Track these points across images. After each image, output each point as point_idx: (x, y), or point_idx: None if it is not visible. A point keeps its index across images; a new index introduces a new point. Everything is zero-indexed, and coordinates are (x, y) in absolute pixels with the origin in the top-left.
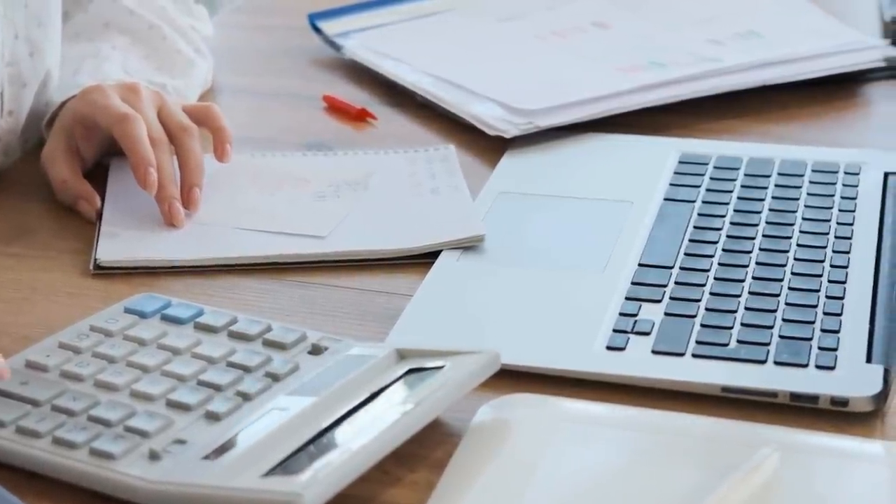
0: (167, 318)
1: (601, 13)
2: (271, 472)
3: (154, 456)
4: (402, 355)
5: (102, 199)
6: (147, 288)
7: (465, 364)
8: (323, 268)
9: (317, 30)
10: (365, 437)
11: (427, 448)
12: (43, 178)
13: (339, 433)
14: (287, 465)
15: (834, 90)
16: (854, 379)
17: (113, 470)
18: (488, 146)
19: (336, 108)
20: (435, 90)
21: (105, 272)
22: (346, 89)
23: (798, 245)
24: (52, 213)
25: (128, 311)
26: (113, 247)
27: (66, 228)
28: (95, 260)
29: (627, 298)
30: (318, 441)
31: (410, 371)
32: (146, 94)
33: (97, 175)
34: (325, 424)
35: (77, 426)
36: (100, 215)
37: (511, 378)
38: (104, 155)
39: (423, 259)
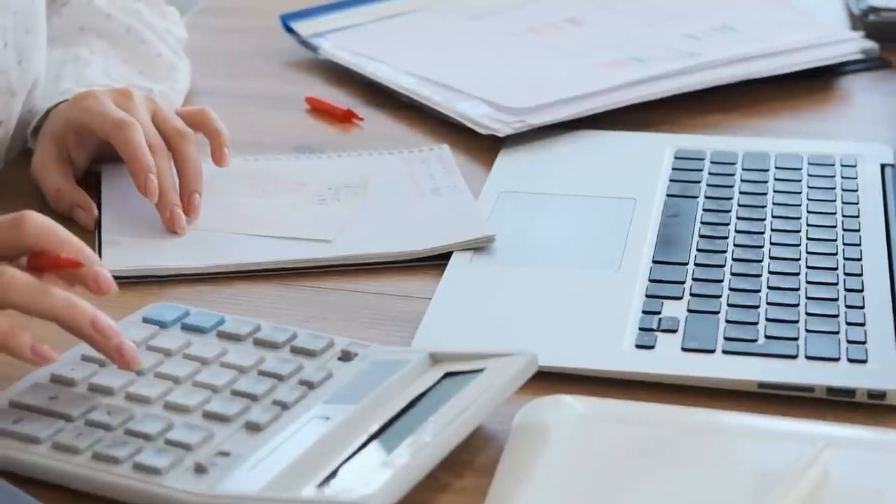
0: (188, 328)
1: (573, 9)
2: (325, 482)
3: (200, 469)
4: (435, 359)
5: (97, 207)
6: (156, 297)
7: (505, 367)
8: (331, 272)
9: (290, 31)
10: (417, 444)
11: (470, 453)
12: (32, 186)
13: (388, 441)
14: (340, 476)
15: (813, 83)
16: (888, 371)
17: (160, 485)
18: (477, 145)
19: (320, 110)
20: (420, 90)
21: None
22: (325, 90)
23: (808, 238)
24: None
25: (146, 320)
26: (117, 256)
27: None
28: None
29: (648, 296)
30: (367, 450)
31: (447, 375)
32: (140, 100)
33: (84, 182)
34: (370, 433)
35: (116, 441)
36: (97, 223)
37: (539, 379)
38: (93, 162)
39: (434, 261)
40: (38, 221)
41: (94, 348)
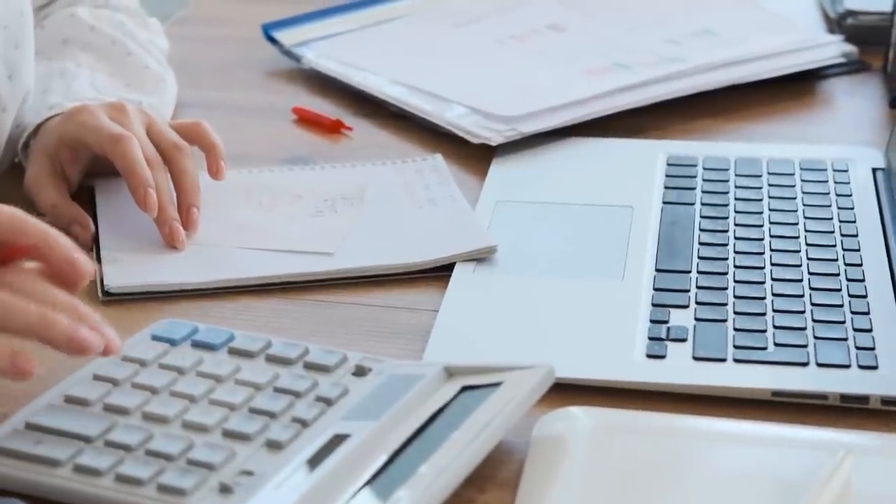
0: (198, 345)
1: (554, 16)
2: (351, 501)
3: (225, 489)
4: (450, 373)
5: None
6: (158, 313)
7: (523, 380)
8: (334, 285)
9: (272, 40)
10: (442, 462)
11: (490, 467)
12: (21, 201)
13: (412, 460)
14: (367, 494)
15: (795, 86)
16: None
17: None
18: (467, 153)
19: (308, 121)
20: (409, 99)
21: (113, 298)
22: (309, 100)
23: (808, 244)
24: None
25: (155, 338)
26: (119, 272)
27: None
28: (103, 286)
29: (654, 305)
30: (391, 469)
31: (464, 389)
32: (134, 113)
33: (77, 197)
34: (392, 450)
35: (137, 462)
36: (95, 239)
37: (550, 390)
38: (86, 176)
39: (436, 272)
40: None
41: None
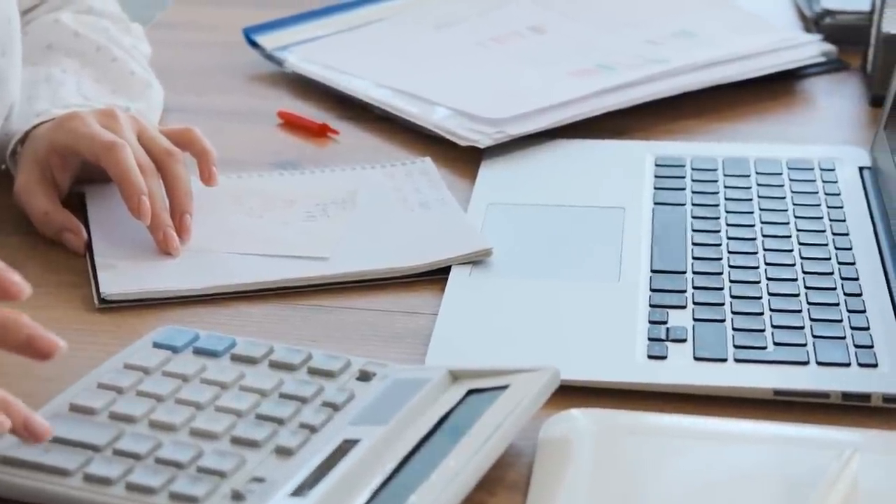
0: (201, 352)
1: (534, 18)
2: None
3: (237, 496)
4: (455, 376)
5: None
6: (155, 320)
7: (529, 383)
8: (330, 290)
9: (253, 44)
10: (453, 468)
11: (499, 470)
12: (13, 208)
13: (423, 465)
14: (381, 500)
15: (776, 86)
16: None
17: None
18: (455, 156)
19: (293, 125)
20: (395, 102)
21: (109, 305)
22: (293, 104)
23: (800, 244)
24: (38, 246)
25: (157, 345)
26: (114, 279)
27: (55, 262)
28: (99, 294)
29: (652, 306)
30: (402, 475)
31: (470, 392)
32: (125, 120)
33: (67, 204)
34: (402, 456)
35: (148, 470)
36: (87, 246)
37: (554, 392)
38: (76, 183)
39: (431, 276)
40: None
41: None
